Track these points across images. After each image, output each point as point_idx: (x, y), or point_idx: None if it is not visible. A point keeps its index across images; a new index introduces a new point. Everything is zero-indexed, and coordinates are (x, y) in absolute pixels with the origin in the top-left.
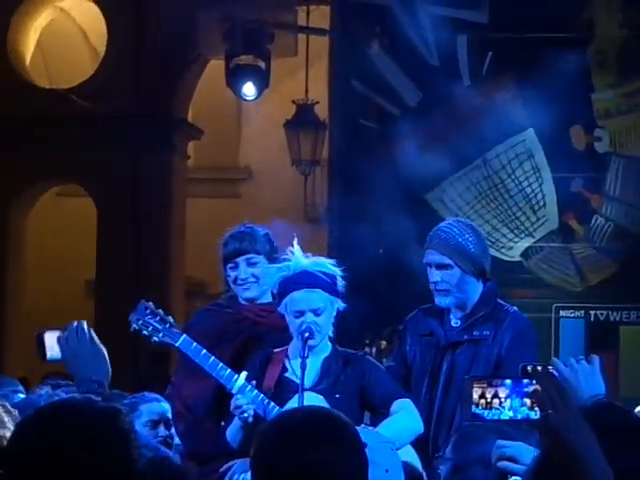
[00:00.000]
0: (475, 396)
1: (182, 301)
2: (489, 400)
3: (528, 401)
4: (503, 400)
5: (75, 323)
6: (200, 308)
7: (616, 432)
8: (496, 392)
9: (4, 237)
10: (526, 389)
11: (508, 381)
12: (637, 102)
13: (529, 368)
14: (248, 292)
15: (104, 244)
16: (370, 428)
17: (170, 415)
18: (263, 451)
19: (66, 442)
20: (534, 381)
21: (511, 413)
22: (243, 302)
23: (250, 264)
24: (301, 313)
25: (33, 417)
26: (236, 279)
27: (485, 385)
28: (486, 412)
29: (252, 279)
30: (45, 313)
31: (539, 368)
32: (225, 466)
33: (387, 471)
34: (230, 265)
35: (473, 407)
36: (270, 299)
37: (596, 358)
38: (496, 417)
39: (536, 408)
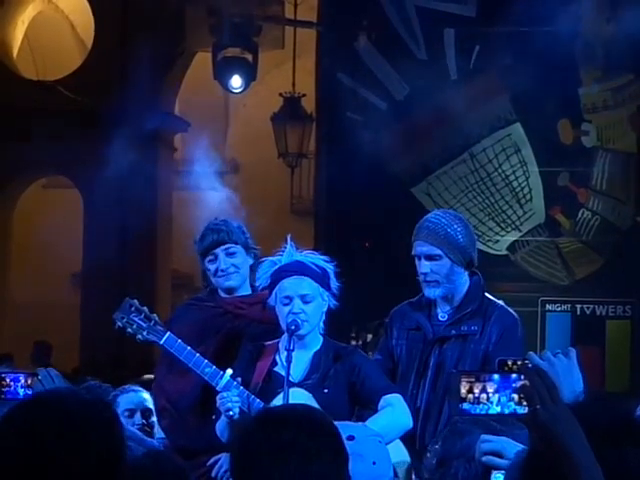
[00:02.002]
0: (463, 391)
1: (169, 294)
2: (477, 395)
3: (516, 396)
4: (491, 395)
5: (42, 369)
6: (180, 304)
7: (605, 428)
8: (484, 387)
9: None
10: (514, 384)
11: (496, 376)
12: (624, 97)
13: (509, 362)
14: (230, 282)
15: (90, 236)
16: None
17: (149, 405)
18: (240, 434)
19: (52, 432)
20: (522, 376)
21: (499, 408)
22: (223, 295)
23: (229, 254)
24: (289, 300)
25: (18, 408)
26: (217, 271)
27: (473, 380)
28: (474, 407)
29: (232, 269)
30: (31, 306)
31: (519, 362)
32: (212, 459)
33: (374, 463)
34: (209, 258)
35: (461, 402)
36: (249, 291)
37: (573, 351)
38: (484, 412)
39: (524, 403)
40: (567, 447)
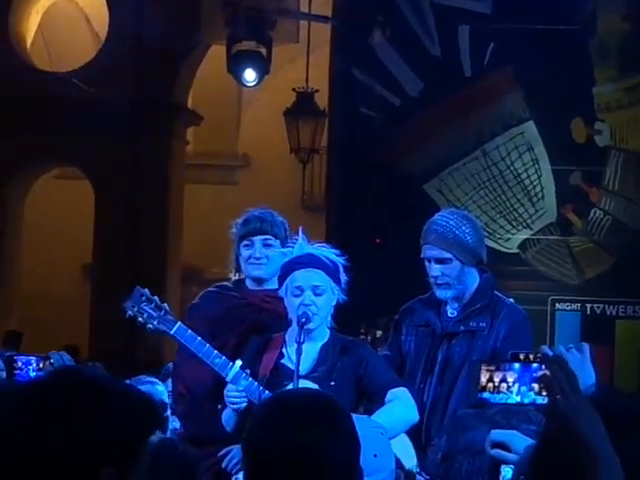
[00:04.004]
0: (483, 379)
1: (178, 286)
2: (497, 384)
3: (536, 386)
4: (511, 385)
5: (55, 353)
6: (205, 290)
7: (618, 419)
8: (504, 376)
9: (1, 219)
10: (535, 374)
11: (517, 365)
12: (638, 96)
13: (521, 356)
14: (259, 271)
15: (101, 228)
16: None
17: (164, 397)
18: (254, 431)
19: (77, 398)
20: (543, 366)
21: (518, 398)
22: (250, 286)
23: (265, 245)
24: (301, 291)
25: (45, 377)
26: (250, 257)
27: (493, 369)
28: (493, 396)
29: (265, 260)
30: (41, 297)
31: (531, 356)
32: (224, 450)
33: (375, 456)
34: (246, 243)
35: (481, 391)
36: (276, 286)
37: (586, 346)
38: (503, 401)
39: (543, 393)
40: (586, 437)
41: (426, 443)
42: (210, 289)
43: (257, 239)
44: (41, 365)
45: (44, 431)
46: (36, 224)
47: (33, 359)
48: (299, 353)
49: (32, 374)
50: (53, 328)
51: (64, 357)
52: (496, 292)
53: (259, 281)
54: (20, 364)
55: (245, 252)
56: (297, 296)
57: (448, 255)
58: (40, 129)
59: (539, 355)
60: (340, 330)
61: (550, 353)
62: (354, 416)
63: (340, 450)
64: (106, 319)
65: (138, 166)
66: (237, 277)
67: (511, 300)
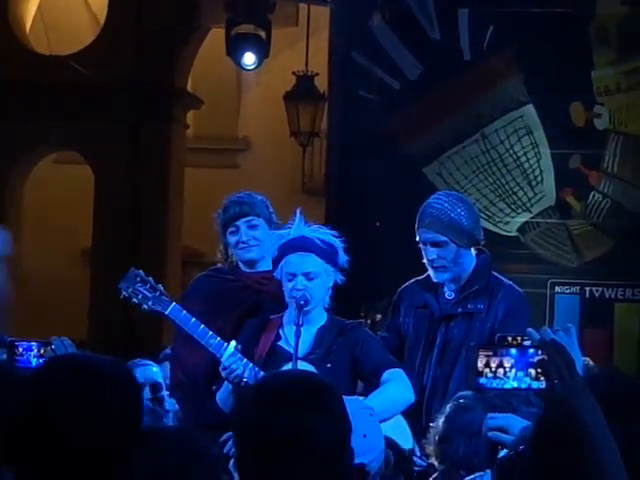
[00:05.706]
0: (480, 364)
1: (179, 271)
2: (494, 369)
3: (533, 371)
4: (508, 370)
5: (56, 339)
6: (199, 274)
7: (611, 403)
8: (501, 361)
9: (0, 204)
10: (531, 359)
11: (513, 350)
12: (637, 80)
13: (509, 338)
14: (250, 254)
15: (101, 213)
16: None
17: (159, 379)
18: (244, 417)
19: (72, 386)
20: (540, 351)
21: (515, 383)
22: (244, 269)
23: (251, 226)
24: (293, 276)
25: (44, 365)
26: (238, 243)
27: (491, 354)
28: (489, 381)
29: (254, 241)
30: (41, 281)
31: (519, 339)
32: (225, 436)
33: (365, 436)
34: (231, 229)
35: (478, 376)
36: (270, 266)
37: (573, 328)
38: (500, 387)
39: (540, 378)
40: (584, 421)
41: (426, 426)
42: (205, 273)
43: (241, 222)
44: (42, 351)
45: (51, 420)
46: (36, 208)
47: (34, 345)
48: (297, 335)
49: (33, 360)
50: (52, 312)
51: (65, 342)
52: (494, 273)
53: (251, 264)
54: (21, 350)
55: (232, 238)
56: (290, 281)
57: (443, 238)
58: (39, 113)
59: (526, 337)
60: (340, 314)
61: (536, 335)
62: (343, 397)
63: (333, 431)
64: (105, 303)
65: (138, 150)
66: (229, 262)
67: (509, 281)
